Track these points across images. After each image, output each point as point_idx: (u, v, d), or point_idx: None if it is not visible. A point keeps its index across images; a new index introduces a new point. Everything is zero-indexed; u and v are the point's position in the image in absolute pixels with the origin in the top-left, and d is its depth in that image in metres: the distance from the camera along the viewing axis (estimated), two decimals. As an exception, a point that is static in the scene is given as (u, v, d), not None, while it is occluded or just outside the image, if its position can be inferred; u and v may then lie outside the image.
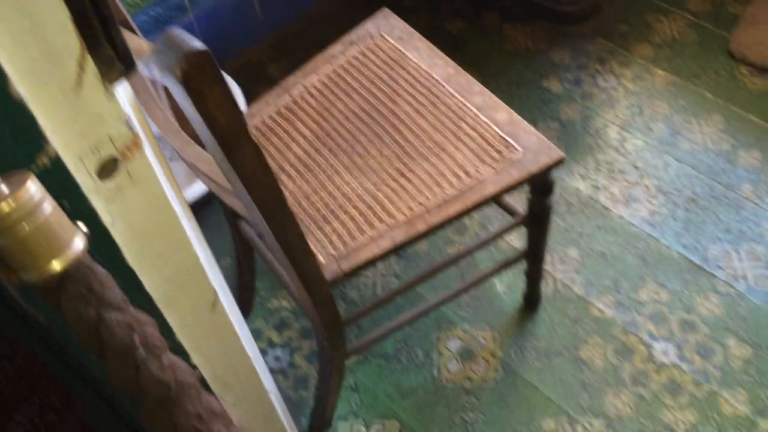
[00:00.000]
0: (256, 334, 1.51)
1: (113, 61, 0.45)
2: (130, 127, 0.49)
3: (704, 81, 1.83)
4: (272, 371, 1.46)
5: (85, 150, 0.45)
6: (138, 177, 0.52)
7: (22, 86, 0.39)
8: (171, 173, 0.59)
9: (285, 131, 1.16)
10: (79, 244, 0.39)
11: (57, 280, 0.38)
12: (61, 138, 0.44)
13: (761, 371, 1.39)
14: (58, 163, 0.44)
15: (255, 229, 0.99)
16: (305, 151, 1.13)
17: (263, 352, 1.49)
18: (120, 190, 0.50)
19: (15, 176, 0.37)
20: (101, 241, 0.51)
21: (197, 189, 1.51)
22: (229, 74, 1.73)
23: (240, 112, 0.64)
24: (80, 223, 0.39)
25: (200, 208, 1.63)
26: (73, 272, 0.38)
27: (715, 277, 1.52)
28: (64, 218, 0.38)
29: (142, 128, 0.55)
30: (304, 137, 1.14)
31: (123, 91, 0.53)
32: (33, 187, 0.36)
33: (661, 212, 1.62)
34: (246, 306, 1.49)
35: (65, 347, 0.60)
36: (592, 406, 1.37)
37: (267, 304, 1.55)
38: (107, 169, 0.49)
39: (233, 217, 1.23)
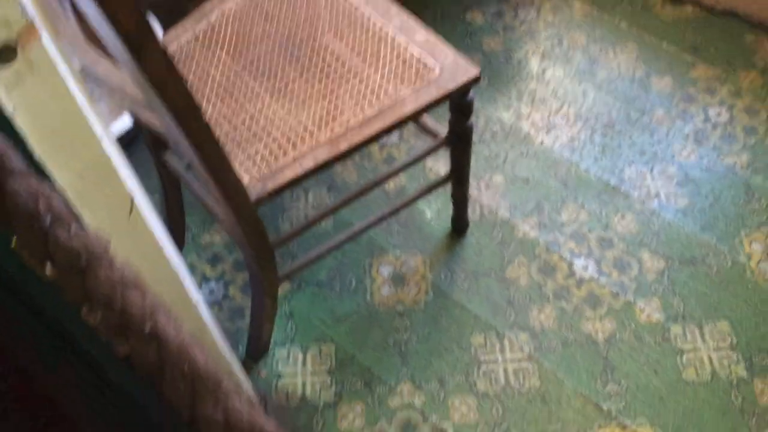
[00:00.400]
0: (190, 269, 1.52)
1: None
2: (25, 14, 0.49)
3: (619, 11, 1.89)
4: (207, 304, 1.48)
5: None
6: (38, 66, 0.52)
7: None
8: (75, 72, 0.59)
9: (204, 57, 1.15)
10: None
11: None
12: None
13: (673, 281, 1.49)
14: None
15: (174, 146, 0.99)
16: (225, 77, 1.13)
17: (197, 286, 1.50)
18: (19, 78, 0.51)
19: None
20: (5, 131, 0.52)
21: (120, 126, 1.49)
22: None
23: (143, 14, 0.64)
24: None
25: (124, 149, 1.60)
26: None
27: (630, 196, 1.60)
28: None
29: (42, 22, 0.55)
30: (224, 63, 1.14)
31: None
32: None
33: (579, 138, 1.69)
34: (177, 241, 1.49)
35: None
36: (518, 320, 1.45)
37: (199, 239, 1.56)
38: (5, 54, 0.49)
39: (157, 149, 1.23)
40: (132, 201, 0.67)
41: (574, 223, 1.57)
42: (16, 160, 0.41)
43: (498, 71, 1.80)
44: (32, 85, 0.52)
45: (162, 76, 0.69)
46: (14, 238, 0.54)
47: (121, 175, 0.65)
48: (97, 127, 0.60)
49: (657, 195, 1.61)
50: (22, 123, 0.52)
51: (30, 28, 0.50)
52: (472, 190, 1.60)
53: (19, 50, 0.49)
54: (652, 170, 1.64)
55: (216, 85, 1.12)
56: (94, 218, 0.64)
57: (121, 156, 0.68)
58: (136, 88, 0.75)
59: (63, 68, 0.55)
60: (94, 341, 0.66)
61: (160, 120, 0.78)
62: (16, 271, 0.55)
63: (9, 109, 0.50)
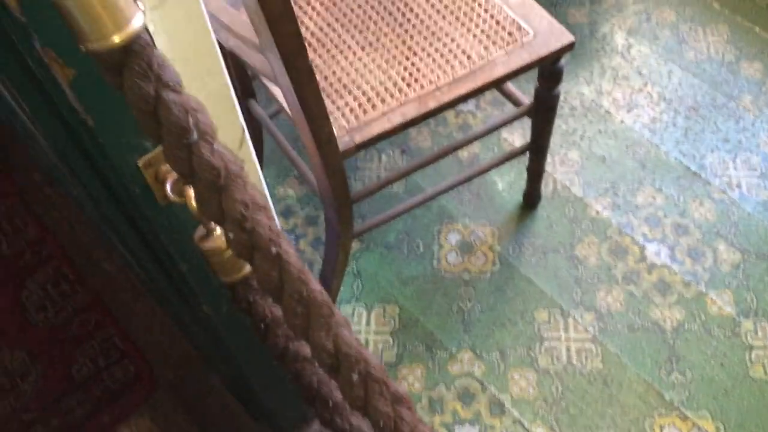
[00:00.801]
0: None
1: None
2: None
3: (713, -9, 1.82)
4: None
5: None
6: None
7: None
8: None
9: (297, 5, 1.14)
10: (140, 19, 0.39)
11: (120, 52, 0.38)
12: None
13: (748, 275, 1.44)
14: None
15: (271, 87, 0.98)
16: (318, 26, 1.12)
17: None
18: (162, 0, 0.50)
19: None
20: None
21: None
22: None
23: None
24: (139, 1, 0.40)
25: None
26: (135, 47, 0.39)
27: (711, 184, 1.55)
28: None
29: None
30: (317, 12, 1.13)
31: None
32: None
33: (662, 119, 1.64)
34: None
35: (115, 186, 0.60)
36: (584, 300, 1.42)
37: (273, 192, 1.56)
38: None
39: (244, 97, 1.23)
40: (243, 133, 0.67)
41: (649, 207, 1.53)
42: (172, 73, 0.40)
43: (581, 44, 1.74)
44: (171, 7, 0.51)
45: (278, 12, 0.68)
46: (141, 158, 0.54)
47: (237, 108, 0.65)
48: (221, 57, 0.60)
49: (738, 185, 1.55)
50: (158, 44, 0.51)
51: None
52: (547, 165, 1.56)
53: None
54: (735, 158, 1.58)
55: (310, 35, 1.11)
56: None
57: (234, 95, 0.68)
58: (244, 27, 0.74)
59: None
60: (198, 272, 0.66)
61: (267, 59, 0.78)
62: (137, 193, 0.55)
63: (150, 28, 0.50)
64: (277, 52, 0.72)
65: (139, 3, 0.40)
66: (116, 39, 0.38)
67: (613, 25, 1.77)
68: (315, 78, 0.79)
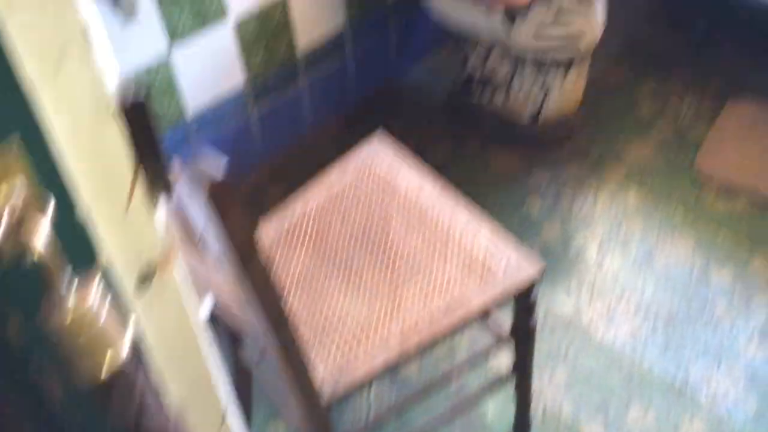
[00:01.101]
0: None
1: (157, 179, 0.49)
2: (165, 243, 0.53)
3: (674, 201, 1.92)
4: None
5: (130, 260, 0.49)
6: (167, 292, 0.54)
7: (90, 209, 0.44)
8: (193, 293, 0.62)
9: (285, 251, 1.20)
10: (125, 351, 0.41)
11: (106, 385, 0.40)
12: (115, 252, 0.47)
13: (753, 495, 1.38)
14: (108, 273, 0.47)
15: (257, 347, 1.00)
16: (303, 271, 1.17)
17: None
18: (150, 304, 0.53)
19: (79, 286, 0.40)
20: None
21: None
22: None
23: (255, 231, 0.68)
24: (131, 322, 0.42)
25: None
26: (120, 379, 0.40)
27: (698, 396, 1.53)
28: (115, 323, 0.41)
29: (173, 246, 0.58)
30: (303, 258, 1.18)
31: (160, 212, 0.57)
32: (93, 296, 0.39)
33: (641, 331, 1.66)
34: None
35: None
36: None
37: (264, 431, 1.51)
38: (143, 280, 0.51)
39: (233, 343, 1.24)
40: (224, 416, 0.67)
41: (641, 426, 1.49)
42: (152, 396, 0.42)
43: (556, 261, 1.81)
44: (160, 310, 0.54)
45: (263, 284, 0.72)
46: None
47: (218, 391, 0.65)
48: (205, 346, 0.62)
49: (725, 396, 1.53)
50: (146, 337, 0.53)
51: (170, 250, 0.53)
52: (535, 385, 1.55)
53: (155, 277, 0.52)
54: (718, 367, 1.58)
55: (297, 275, 1.16)
56: (191, 429, 0.63)
57: (217, 362, 0.69)
58: (230, 290, 0.77)
59: (186, 288, 0.58)
60: None
61: (252, 320, 0.80)
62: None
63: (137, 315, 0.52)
64: (262, 316, 0.75)
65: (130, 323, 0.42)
66: (102, 376, 0.40)
67: (585, 238, 1.86)
68: (299, 341, 0.82)
